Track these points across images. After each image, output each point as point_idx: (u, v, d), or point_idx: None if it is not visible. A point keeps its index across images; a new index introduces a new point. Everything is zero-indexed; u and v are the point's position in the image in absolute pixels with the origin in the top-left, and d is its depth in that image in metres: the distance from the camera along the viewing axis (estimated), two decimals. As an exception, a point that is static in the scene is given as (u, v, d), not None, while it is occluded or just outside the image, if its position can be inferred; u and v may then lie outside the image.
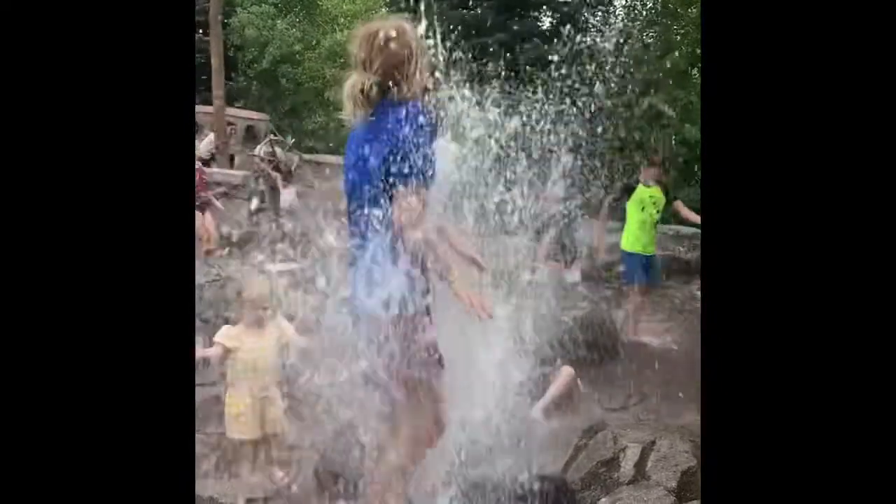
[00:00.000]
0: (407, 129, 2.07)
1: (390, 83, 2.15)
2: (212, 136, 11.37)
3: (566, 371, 4.28)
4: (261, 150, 11.87)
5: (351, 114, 2.17)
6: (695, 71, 13.35)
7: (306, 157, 12.67)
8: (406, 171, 2.04)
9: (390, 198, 2.07)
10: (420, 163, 2.07)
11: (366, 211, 2.14)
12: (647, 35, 16.56)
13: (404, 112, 2.10)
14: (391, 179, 2.06)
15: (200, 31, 14.69)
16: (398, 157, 2.05)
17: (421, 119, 2.10)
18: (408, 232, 2.03)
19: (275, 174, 11.37)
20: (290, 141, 12.51)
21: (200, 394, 4.37)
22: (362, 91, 2.14)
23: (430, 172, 2.10)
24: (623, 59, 14.84)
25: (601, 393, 4.52)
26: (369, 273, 2.15)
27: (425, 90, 2.20)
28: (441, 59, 2.45)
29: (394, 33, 2.15)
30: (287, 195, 11.67)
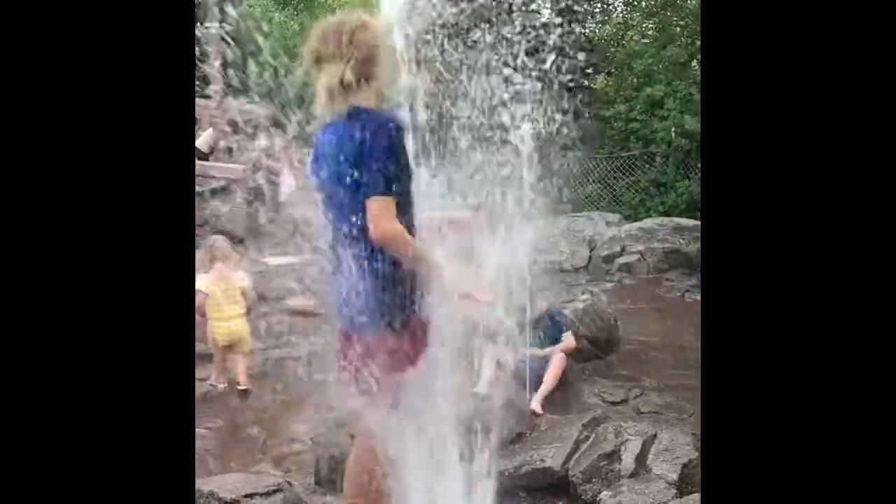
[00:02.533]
0: (381, 137, 2.01)
1: (360, 78, 2.09)
2: (210, 129, 11.32)
3: (559, 358, 4.29)
4: (259, 143, 11.82)
5: (326, 109, 2.11)
6: (694, 62, 13.34)
7: (305, 149, 12.61)
8: (382, 180, 1.99)
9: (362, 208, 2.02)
10: (394, 171, 2.02)
11: (341, 220, 2.10)
12: (646, 26, 16.54)
13: (378, 120, 2.05)
14: (365, 189, 2.00)
15: (198, 23, 14.65)
16: (374, 167, 2.00)
17: (392, 126, 2.04)
18: (389, 242, 2.00)
19: (275, 165, 11.32)
20: (289, 134, 12.44)
21: (200, 388, 4.39)
22: (342, 82, 2.07)
23: (405, 181, 2.07)
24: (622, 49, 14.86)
25: (602, 386, 4.52)
26: (343, 287, 2.12)
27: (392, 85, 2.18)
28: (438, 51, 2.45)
29: (360, 24, 2.11)
30: (286, 187, 11.62)
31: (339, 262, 2.13)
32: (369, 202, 1.99)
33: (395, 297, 2.09)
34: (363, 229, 2.02)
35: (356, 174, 2.01)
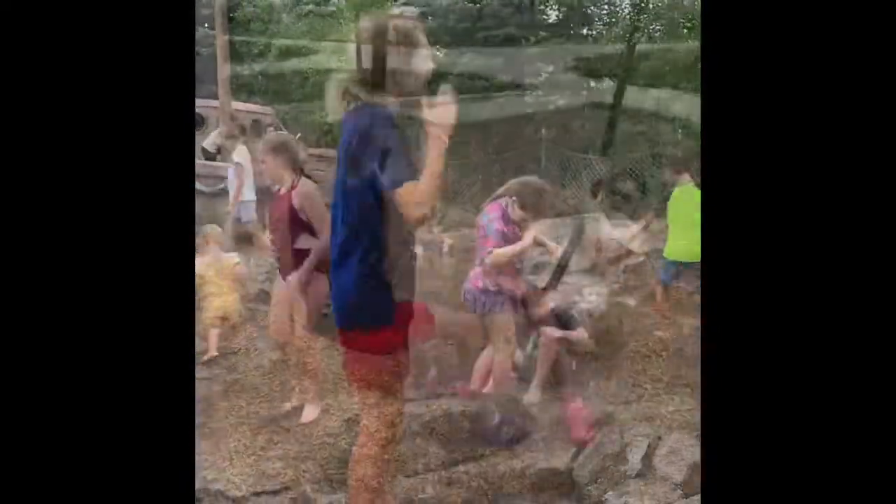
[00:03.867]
0: (391, 129, 2.05)
1: (385, 78, 2.13)
2: (217, 130, 11.32)
3: (548, 344, 4.28)
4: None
5: (336, 110, 2.13)
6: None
7: (312, 151, 12.62)
8: (402, 170, 2.02)
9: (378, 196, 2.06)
10: (411, 161, 2.06)
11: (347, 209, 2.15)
12: (653, 28, 16.52)
13: (388, 114, 2.09)
14: (389, 180, 2.03)
15: (206, 24, 14.69)
16: (395, 159, 2.03)
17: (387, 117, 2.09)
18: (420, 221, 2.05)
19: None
20: (297, 135, 12.46)
21: (201, 387, 4.40)
22: (360, 82, 2.11)
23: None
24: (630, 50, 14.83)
25: (607, 387, 4.52)
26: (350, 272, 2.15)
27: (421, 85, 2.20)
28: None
29: (406, 26, 2.16)
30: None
31: (339, 255, 2.17)
32: (398, 191, 2.00)
33: (386, 287, 2.13)
34: (364, 218, 2.08)
35: (365, 165, 2.05)
